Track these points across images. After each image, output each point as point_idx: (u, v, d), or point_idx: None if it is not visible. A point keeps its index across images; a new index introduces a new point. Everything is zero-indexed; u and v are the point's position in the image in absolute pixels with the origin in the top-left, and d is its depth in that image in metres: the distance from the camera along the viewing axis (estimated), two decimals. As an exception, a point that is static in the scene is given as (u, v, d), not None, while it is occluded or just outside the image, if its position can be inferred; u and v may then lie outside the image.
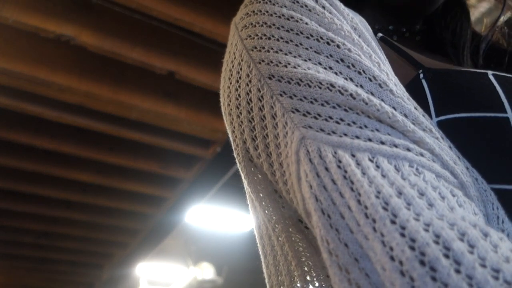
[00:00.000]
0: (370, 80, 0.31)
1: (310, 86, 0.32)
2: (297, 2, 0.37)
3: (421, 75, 0.38)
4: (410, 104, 0.32)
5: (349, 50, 0.33)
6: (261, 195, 0.40)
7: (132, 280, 5.43)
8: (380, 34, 0.44)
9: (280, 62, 0.34)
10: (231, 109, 0.42)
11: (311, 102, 0.31)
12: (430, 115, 0.34)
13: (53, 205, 4.08)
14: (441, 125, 0.34)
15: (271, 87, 0.34)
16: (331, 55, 0.33)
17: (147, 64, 2.56)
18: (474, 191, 0.29)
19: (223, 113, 0.47)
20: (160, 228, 4.32)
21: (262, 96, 0.35)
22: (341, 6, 0.39)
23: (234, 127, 0.41)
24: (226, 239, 4.88)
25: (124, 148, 3.42)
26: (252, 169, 0.40)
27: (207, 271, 5.11)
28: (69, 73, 2.64)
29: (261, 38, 0.37)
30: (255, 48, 0.37)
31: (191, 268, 5.26)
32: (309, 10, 0.36)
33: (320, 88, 0.31)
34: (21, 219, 4.27)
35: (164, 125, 3.03)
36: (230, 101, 0.42)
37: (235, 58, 0.41)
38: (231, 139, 0.44)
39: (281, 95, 0.33)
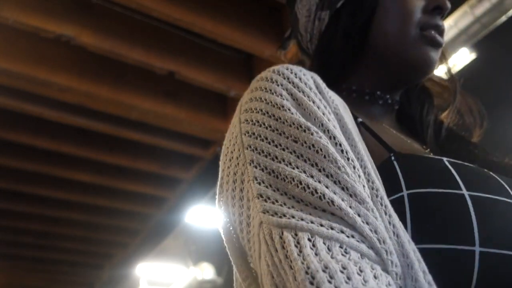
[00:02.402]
0: (322, 170, 0.39)
1: (277, 177, 0.39)
2: (291, 94, 0.45)
3: (393, 157, 0.46)
4: (359, 186, 0.39)
5: (320, 137, 0.41)
6: (236, 259, 0.48)
7: (132, 280, 5.43)
8: (360, 120, 0.53)
9: (262, 151, 0.42)
10: (227, 182, 0.49)
11: (274, 190, 0.39)
12: (401, 189, 0.42)
13: (53, 205, 4.08)
14: (410, 196, 0.41)
15: (248, 172, 0.41)
16: (305, 142, 0.41)
17: (147, 64, 2.56)
18: (395, 262, 0.35)
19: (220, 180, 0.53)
20: (160, 228, 4.32)
21: (244, 179, 0.42)
22: (328, 94, 0.47)
23: (227, 199, 0.48)
24: (226, 239, 4.88)
25: (124, 148, 3.42)
26: (234, 239, 0.48)
27: (207, 271, 5.10)
28: (69, 73, 2.64)
29: (254, 124, 0.44)
30: (247, 133, 0.44)
31: (191, 268, 5.26)
32: (297, 102, 0.44)
33: (284, 180, 0.39)
34: (21, 219, 4.27)
35: (164, 125, 3.03)
36: (226, 175, 0.49)
37: (232, 137, 0.48)
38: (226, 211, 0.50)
39: (254, 180, 0.40)
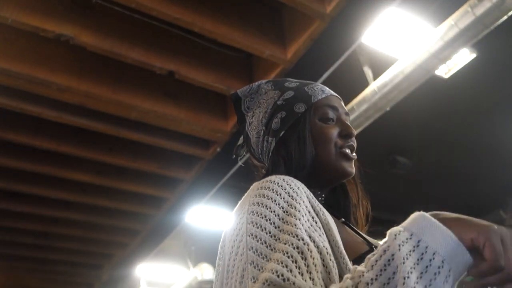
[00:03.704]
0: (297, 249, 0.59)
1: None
2: (283, 197, 0.67)
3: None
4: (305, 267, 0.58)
5: (295, 225, 0.63)
6: None
7: (132, 281, 5.42)
8: (342, 219, 0.85)
9: (260, 239, 0.61)
10: (231, 259, 0.65)
11: (261, 258, 0.59)
12: None
13: (52, 205, 4.07)
14: None
15: (248, 256, 0.60)
16: (287, 222, 0.63)
17: (147, 64, 2.56)
18: None
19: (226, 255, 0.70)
20: (160, 228, 4.31)
21: (244, 275, 0.59)
22: (304, 191, 0.72)
23: (229, 248, 0.68)
24: (226, 240, 4.87)
25: (124, 148, 3.41)
26: None
27: (207, 272, 5.10)
28: (68, 73, 2.64)
29: (258, 216, 0.65)
30: (252, 222, 0.64)
31: (191, 269, 5.26)
32: (286, 200, 0.67)
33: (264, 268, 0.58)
34: (21, 219, 4.26)
35: (164, 125, 3.02)
36: (231, 253, 0.66)
37: (238, 234, 0.65)
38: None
39: (251, 279, 0.57)
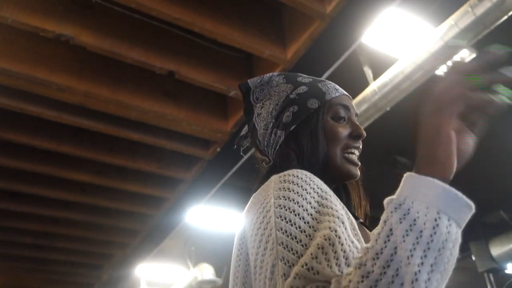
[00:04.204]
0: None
1: (292, 225, 0.63)
2: (309, 192, 0.68)
3: None
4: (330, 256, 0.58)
5: (328, 214, 0.65)
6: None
7: (131, 281, 5.42)
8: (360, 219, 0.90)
9: (290, 234, 0.61)
10: (259, 254, 0.66)
11: (292, 254, 0.60)
12: None
13: (52, 205, 4.07)
14: None
15: (278, 251, 0.60)
16: (319, 213, 0.65)
17: (147, 64, 2.56)
18: None
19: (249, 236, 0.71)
20: (160, 228, 4.31)
21: (272, 252, 0.61)
22: (322, 183, 0.73)
23: (252, 242, 0.67)
24: (226, 240, 4.87)
25: (123, 148, 3.41)
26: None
27: (207, 272, 5.10)
28: (68, 73, 2.63)
29: (286, 210, 0.64)
30: (280, 216, 0.64)
31: (191, 269, 5.26)
32: (315, 193, 0.69)
33: (293, 249, 0.60)
34: (20, 219, 4.26)
35: (164, 125, 3.02)
36: (256, 232, 0.67)
37: (266, 216, 0.66)
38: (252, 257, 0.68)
39: (280, 260, 0.59)
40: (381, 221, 0.54)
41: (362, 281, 0.50)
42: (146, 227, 4.45)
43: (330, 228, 0.60)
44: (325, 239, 0.58)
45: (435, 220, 0.51)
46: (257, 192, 0.75)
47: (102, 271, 5.54)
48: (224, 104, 3.14)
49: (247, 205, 0.77)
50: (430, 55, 2.22)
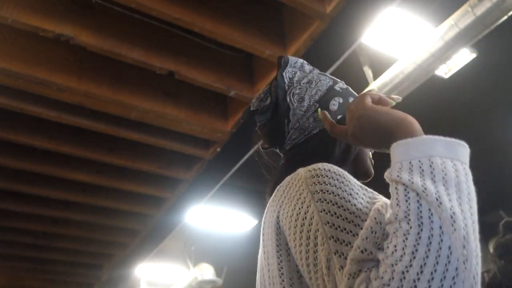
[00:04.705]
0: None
1: (337, 217, 0.62)
2: (337, 179, 0.68)
3: None
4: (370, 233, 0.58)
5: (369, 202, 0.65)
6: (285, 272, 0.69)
7: (131, 281, 5.42)
8: None
9: (339, 226, 0.61)
10: (295, 227, 0.67)
11: (345, 246, 0.59)
12: None
13: (52, 205, 4.07)
14: None
15: (330, 245, 0.59)
16: (363, 189, 0.68)
17: (147, 64, 2.56)
18: None
19: (286, 227, 0.70)
20: (160, 228, 4.31)
21: (323, 247, 0.60)
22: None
23: (295, 240, 0.66)
24: (226, 239, 4.88)
25: (124, 148, 3.41)
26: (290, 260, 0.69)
27: (207, 272, 5.10)
28: (68, 73, 2.63)
29: (328, 203, 0.64)
30: (323, 210, 0.63)
31: (191, 269, 5.26)
32: (345, 181, 0.68)
33: (346, 229, 0.60)
34: (20, 219, 4.26)
35: (164, 125, 3.02)
36: (295, 225, 0.67)
37: (306, 211, 0.66)
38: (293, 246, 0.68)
39: (334, 253, 0.59)
40: (392, 191, 0.56)
41: (406, 239, 0.51)
42: (146, 227, 4.45)
43: (378, 210, 0.60)
44: (376, 222, 0.58)
45: (441, 164, 0.55)
46: (285, 185, 0.74)
47: (102, 271, 5.54)
48: (224, 104, 3.14)
49: (275, 198, 0.76)
50: (430, 55, 2.22)
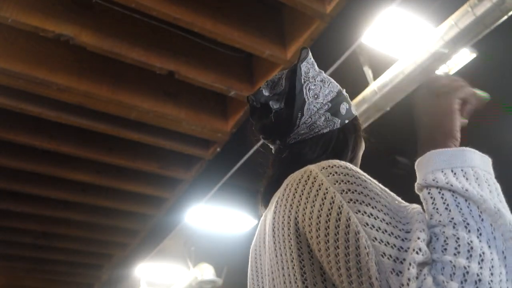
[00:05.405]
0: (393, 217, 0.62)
1: (375, 219, 0.61)
2: (359, 177, 0.67)
3: None
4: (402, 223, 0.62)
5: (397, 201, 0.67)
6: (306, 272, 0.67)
7: (131, 281, 5.42)
8: None
9: (379, 228, 0.60)
10: (318, 225, 0.65)
11: (391, 248, 0.58)
12: None
13: (52, 205, 4.07)
14: None
15: (367, 232, 0.59)
16: (384, 193, 0.67)
17: (147, 64, 2.56)
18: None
19: (306, 228, 0.67)
20: (160, 228, 4.31)
21: (368, 250, 0.59)
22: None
23: (326, 243, 0.63)
24: (226, 240, 4.87)
25: (123, 148, 3.41)
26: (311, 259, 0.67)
27: (206, 272, 5.10)
28: (68, 73, 2.63)
29: (361, 204, 0.63)
30: (359, 211, 0.62)
31: (191, 269, 5.26)
32: (366, 178, 0.68)
33: (376, 227, 0.61)
34: (20, 219, 4.26)
35: (164, 125, 3.02)
36: (317, 224, 0.65)
37: (338, 213, 0.63)
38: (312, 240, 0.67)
39: (382, 255, 0.57)
40: (435, 195, 0.62)
41: (456, 235, 0.57)
42: (146, 227, 4.45)
43: (421, 213, 0.62)
44: (424, 225, 0.60)
45: (483, 176, 0.65)
46: (295, 183, 0.71)
47: (102, 271, 5.54)
48: (224, 104, 3.14)
49: (283, 197, 0.73)
50: (430, 55, 2.22)
